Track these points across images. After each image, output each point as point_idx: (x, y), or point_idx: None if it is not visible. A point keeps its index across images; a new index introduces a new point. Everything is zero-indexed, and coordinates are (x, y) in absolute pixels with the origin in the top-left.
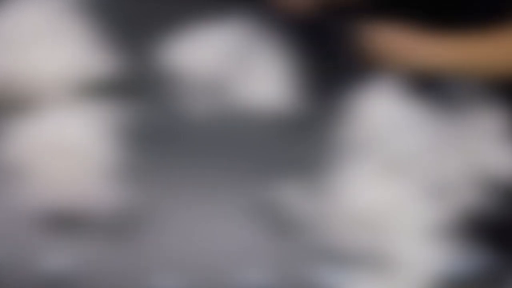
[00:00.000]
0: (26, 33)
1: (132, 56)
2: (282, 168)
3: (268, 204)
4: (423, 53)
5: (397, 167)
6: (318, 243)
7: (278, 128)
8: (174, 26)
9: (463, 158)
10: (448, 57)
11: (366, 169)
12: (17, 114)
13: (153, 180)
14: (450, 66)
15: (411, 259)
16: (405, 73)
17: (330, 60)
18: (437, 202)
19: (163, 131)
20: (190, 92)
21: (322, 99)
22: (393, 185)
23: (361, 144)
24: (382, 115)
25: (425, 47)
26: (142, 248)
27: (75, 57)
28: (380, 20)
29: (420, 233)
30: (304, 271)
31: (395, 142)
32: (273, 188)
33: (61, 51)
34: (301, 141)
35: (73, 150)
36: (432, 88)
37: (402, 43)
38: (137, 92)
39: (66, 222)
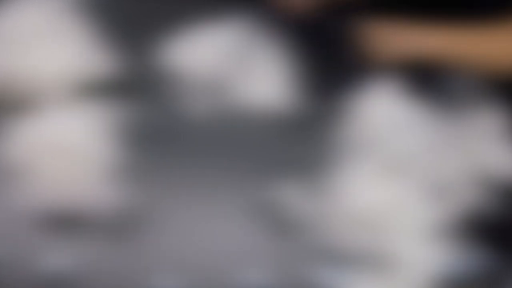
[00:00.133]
0: (26, 33)
1: (132, 56)
2: (282, 168)
3: (268, 204)
4: (423, 50)
5: (397, 167)
6: (318, 243)
7: (278, 128)
8: (174, 26)
9: (463, 158)
10: (448, 53)
11: (366, 169)
12: (17, 114)
13: (153, 180)
14: (450, 62)
15: (411, 259)
16: (405, 71)
17: (330, 60)
18: (437, 202)
19: (163, 131)
20: (190, 92)
21: (322, 99)
22: (393, 185)
23: (361, 144)
24: (382, 115)
25: (426, 43)
26: (142, 248)
27: (75, 57)
28: (380, 19)
29: (420, 233)
30: (304, 271)
31: (395, 142)
32: (273, 188)
33: (61, 51)
34: (301, 141)
35: (73, 150)
36: (432, 88)
37: (401, 40)
38: (137, 92)
39: (66, 222)
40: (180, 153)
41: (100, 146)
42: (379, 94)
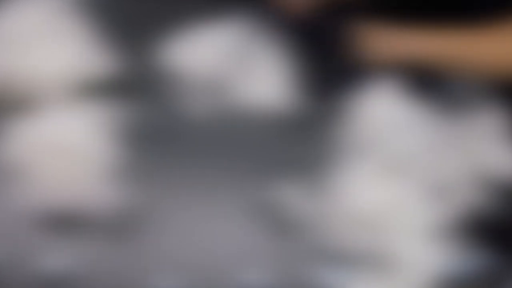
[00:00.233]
0: (26, 33)
1: (132, 56)
2: (282, 168)
3: (268, 204)
4: (423, 51)
5: (397, 167)
6: (318, 243)
7: (278, 128)
8: (174, 26)
9: (463, 158)
10: (448, 54)
11: (366, 169)
12: (17, 114)
13: (153, 180)
14: (450, 63)
15: (411, 259)
16: (405, 72)
17: (330, 60)
18: (437, 202)
19: (163, 131)
20: (190, 92)
21: (322, 99)
22: (393, 185)
23: (361, 144)
24: (382, 115)
25: (425, 44)
26: (142, 248)
27: (75, 57)
28: (379, 19)
29: (420, 233)
30: (304, 271)
31: (395, 142)
32: (273, 188)
33: (61, 51)
34: (301, 141)
35: (73, 150)
36: (432, 88)
37: (401, 41)
38: (137, 92)
39: (66, 222)
40: (180, 153)
41: (100, 146)
42: (379, 94)
